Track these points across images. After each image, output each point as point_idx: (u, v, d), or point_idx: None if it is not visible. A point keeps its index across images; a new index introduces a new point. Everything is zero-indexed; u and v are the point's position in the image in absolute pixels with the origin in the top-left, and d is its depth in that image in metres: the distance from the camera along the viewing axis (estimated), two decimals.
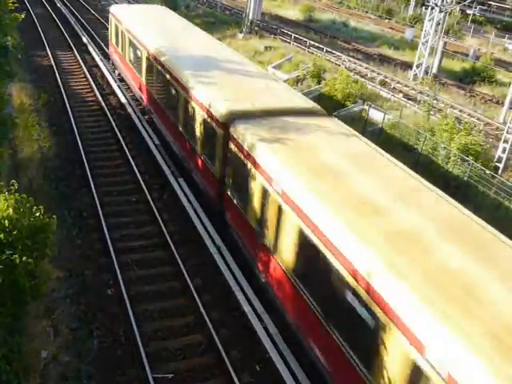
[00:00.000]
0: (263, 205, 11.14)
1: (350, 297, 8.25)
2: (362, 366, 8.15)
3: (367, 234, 8.39)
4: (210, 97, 13.83)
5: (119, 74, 25.53)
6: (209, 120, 13.61)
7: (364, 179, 10.13)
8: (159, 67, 17.75)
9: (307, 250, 9.54)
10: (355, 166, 10.62)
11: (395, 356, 7.28)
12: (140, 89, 21.39)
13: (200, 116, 14.21)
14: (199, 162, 14.99)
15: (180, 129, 16.36)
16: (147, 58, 19.22)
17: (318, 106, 14.18)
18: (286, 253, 10.33)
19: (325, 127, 12.52)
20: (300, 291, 9.90)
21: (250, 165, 11.59)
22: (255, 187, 11.43)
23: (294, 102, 14.32)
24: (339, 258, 8.47)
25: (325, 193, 9.59)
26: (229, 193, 13.14)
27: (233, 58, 18.15)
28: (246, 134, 11.85)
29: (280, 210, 10.38)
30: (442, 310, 6.82)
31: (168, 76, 16.81)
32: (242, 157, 11.92)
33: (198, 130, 14.57)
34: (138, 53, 20.42)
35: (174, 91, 16.39)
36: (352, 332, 8.47)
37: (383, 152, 11.57)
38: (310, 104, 14.33)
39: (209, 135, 13.91)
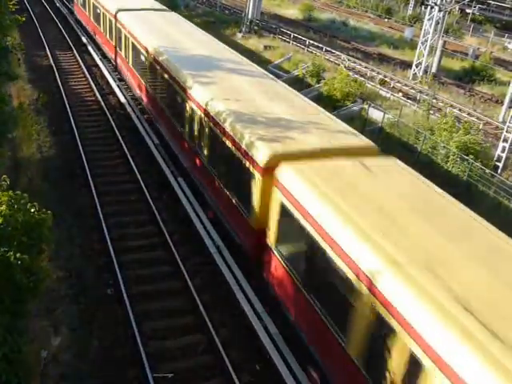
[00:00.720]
0: (132, 50, 21.42)
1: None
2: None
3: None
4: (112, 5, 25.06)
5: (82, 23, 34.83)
6: (108, 15, 25.09)
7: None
8: (98, 7, 28.08)
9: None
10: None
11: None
12: (85, 20, 33.11)
13: (108, 19, 25.54)
14: (110, 45, 26.36)
15: (102, 32, 27.75)
16: (93, 5, 29.59)
17: (165, 7, 26.92)
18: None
19: (165, 16, 24.46)
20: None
21: (129, 37, 21.67)
22: (134, 51, 21.02)
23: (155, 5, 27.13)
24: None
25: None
26: (121, 53, 23.67)
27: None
28: (123, 17, 22.78)
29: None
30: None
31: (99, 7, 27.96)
32: (125, 33, 22.24)
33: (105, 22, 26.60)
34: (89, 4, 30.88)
35: (106, 18, 26.40)
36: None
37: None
38: (160, 6, 27.02)
39: (108, 23, 25.52)
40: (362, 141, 11.81)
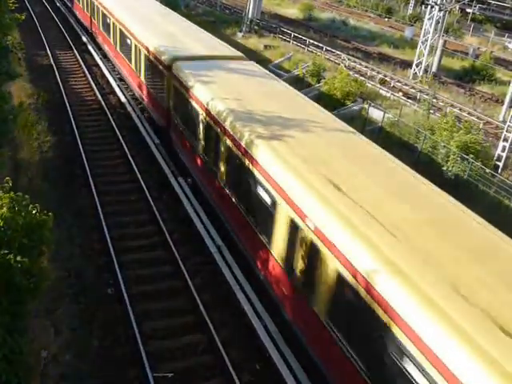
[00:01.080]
0: (102, 18, 27.59)
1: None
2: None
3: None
4: None
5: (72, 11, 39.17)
6: None
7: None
8: None
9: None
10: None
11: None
12: (75, 6, 37.76)
13: None
14: (86, 17, 32.70)
15: (81, 7, 34.32)
16: None
17: None
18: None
19: None
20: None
21: (100, 8, 27.84)
22: (104, 18, 27.15)
23: None
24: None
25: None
26: (95, 22, 29.98)
27: None
28: None
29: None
30: None
31: None
32: (97, 5, 28.48)
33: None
34: None
35: None
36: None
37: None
38: None
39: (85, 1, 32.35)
40: (233, 51, 18.81)
